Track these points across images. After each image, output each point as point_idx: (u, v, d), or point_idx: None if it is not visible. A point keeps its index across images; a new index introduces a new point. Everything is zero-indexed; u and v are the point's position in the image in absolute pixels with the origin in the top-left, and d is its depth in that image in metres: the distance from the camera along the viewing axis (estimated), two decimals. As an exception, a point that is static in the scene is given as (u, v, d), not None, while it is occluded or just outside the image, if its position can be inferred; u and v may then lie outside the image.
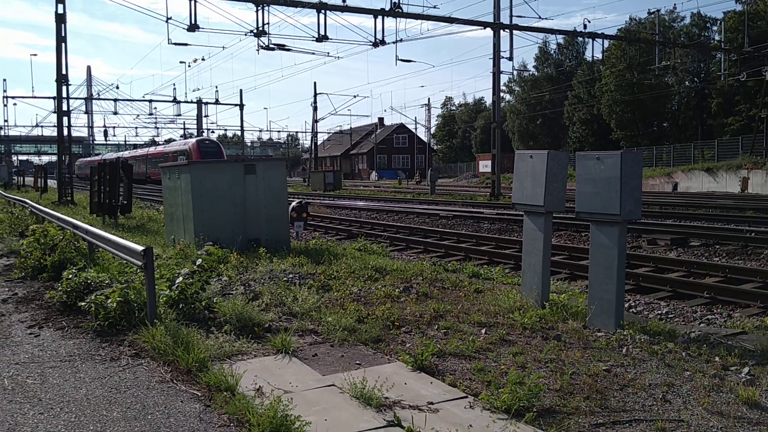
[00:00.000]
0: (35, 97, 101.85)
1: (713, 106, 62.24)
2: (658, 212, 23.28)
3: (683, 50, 54.33)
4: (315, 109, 67.98)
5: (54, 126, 48.93)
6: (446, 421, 4.53)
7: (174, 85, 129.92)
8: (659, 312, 8.80)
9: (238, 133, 70.00)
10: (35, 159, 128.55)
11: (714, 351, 6.00)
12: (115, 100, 74.69)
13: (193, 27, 29.21)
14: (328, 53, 53.54)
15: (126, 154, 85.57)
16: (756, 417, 4.62)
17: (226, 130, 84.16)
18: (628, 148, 60.30)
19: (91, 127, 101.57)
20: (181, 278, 7.45)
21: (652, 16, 44.95)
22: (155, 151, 75.64)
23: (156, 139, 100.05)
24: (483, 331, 6.77)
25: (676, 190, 44.88)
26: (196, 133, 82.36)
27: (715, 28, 64.51)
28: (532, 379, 4.93)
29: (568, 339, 6.47)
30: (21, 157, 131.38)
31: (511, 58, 35.71)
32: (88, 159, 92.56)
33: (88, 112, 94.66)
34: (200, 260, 8.08)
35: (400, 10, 31.95)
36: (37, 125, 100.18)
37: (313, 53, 35.20)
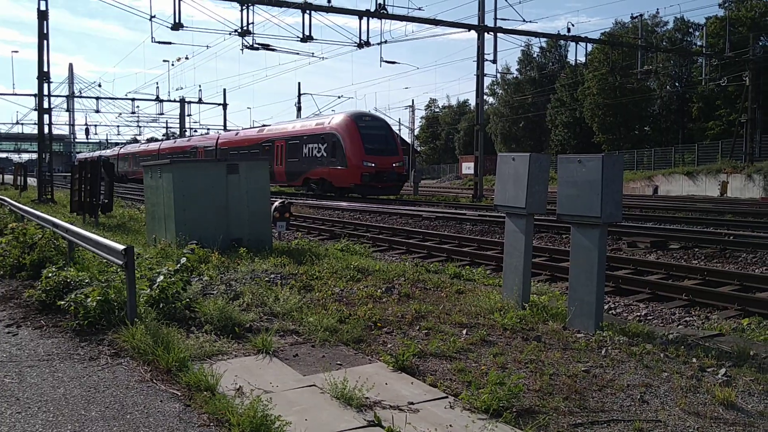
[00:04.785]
0: (16, 94, 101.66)
1: (694, 111, 62.83)
2: (639, 215, 23.47)
3: (665, 54, 54.88)
4: (299, 109, 67.92)
5: (35, 123, 48.56)
6: (426, 421, 4.55)
7: (157, 83, 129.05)
8: (638, 314, 8.87)
9: (222, 132, 66.67)
10: (15, 157, 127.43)
11: (691, 352, 6.07)
12: (97, 98, 74.34)
13: (177, 26, 29.13)
14: (313, 54, 53.46)
15: (166, 144, 66.17)
16: (732, 417, 4.68)
17: (208, 129, 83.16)
18: (609, 151, 60.78)
19: (72, 125, 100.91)
20: (162, 277, 7.41)
21: (636, 20, 45.34)
22: (236, 138, 49.47)
23: (138, 137, 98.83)
24: (464, 331, 6.80)
25: (657, 193, 45.29)
26: (178, 133, 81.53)
27: (697, 33, 65.15)
28: (512, 380, 4.96)
29: (548, 340, 6.51)
30: (0, 155, 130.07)
31: (494, 61, 35.97)
32: (96, 153, 79.54)
33: (70, 110, 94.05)
34: (184, 259, 8.05)
35: (385, 12, 32.06)
36: (17, 122, 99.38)
37: (298, 53, 35.27)
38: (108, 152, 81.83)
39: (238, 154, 45.18)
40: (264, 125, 48.87)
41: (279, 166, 41.54)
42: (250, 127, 52.36)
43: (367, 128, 36.25)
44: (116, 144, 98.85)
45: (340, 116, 37.66)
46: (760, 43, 52.84)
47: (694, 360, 5.86)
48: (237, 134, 51.04)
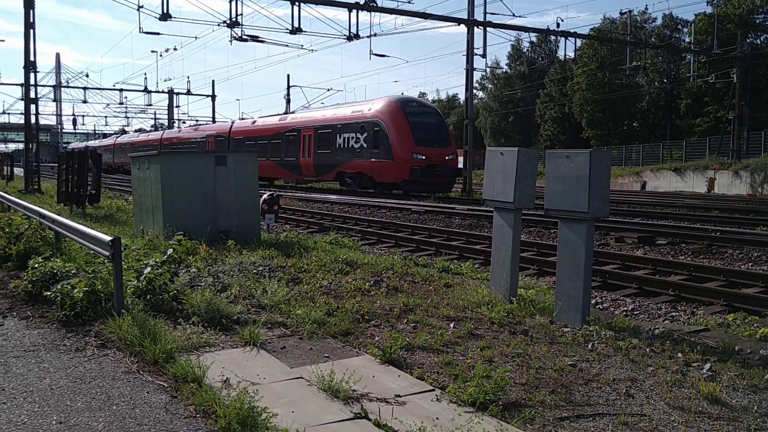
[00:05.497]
0: (2, 84, 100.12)
1: (682, 107, 63.09)
2: (626, 210, 23.57)
3: (654, 51, 55.02)
4: (288, 101, 67.62)
5: (21, 113, 48.11)
6: (413, 414, 4.56)
7: (145, 74, 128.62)
8: (625, 309, 8.92)
9: (210, 123, 65.66)
10: (1, 147, 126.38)
11: (677, 347, 6.11)
12: (85, 88, 73.88)
13: (165, 16, 28.97)
14: (302, 46, 53.16)
15: (169, 133, 60.64)
16: (716, 412, 4.72)
17: (197, 120, 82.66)
18: (598, 146, 60.99)
19: (59, 115, 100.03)
20: (149, 269, 7.39)
21: (625, 16, 45.45)
22: (253, 127, 44.54)
23: (126, 128, 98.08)
24: (451, 325, 6.82)
25: (645, 189, 45.48)
26: (167, 124, 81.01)
27: (685, 29, 65.42)
28: (499, 373, 4.98)
29: (535, 334, 6.54)
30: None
31: (484, 55, 36.00)
32: (92, 143, 75.29)
33: (57, 100, 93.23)
34: (171, 250, 8.02)
35: (375, 4, 31.99)
36: (3, 112, 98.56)
37: (287, 45, 35.11)
38: (104, 142, 79.70)
39: (255, 145, 40.59)
40: (286, 112, 43.74)
41: (306, 159, 37.54)
42: (269, 115, 46.92)
43: (415, 115, 31.61)
44: (105, 135, 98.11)
45: (381, 101, 33.00)
46: (748, 41, 53.01)
47: (680, 355, 5.90)
48: (254, 122, 45.73)
